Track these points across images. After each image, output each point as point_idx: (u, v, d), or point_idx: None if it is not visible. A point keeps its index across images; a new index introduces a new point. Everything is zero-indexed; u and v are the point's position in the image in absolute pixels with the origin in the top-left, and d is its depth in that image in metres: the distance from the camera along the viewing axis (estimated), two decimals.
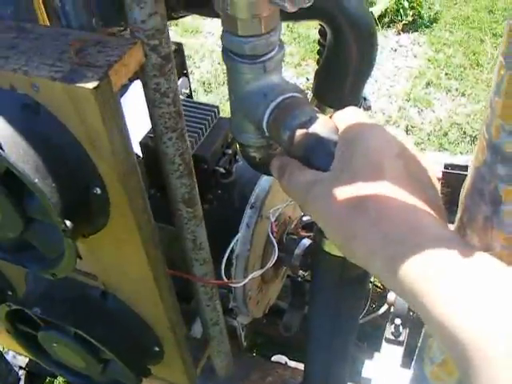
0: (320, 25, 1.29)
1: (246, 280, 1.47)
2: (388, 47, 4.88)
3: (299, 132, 0.90)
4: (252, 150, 1.12)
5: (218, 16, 0.96)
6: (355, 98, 1.37)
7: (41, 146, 0.86)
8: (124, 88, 1.50)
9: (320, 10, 1.06)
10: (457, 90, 4.40)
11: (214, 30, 5.09)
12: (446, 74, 4.55)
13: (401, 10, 5.07)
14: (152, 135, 1.32)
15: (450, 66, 4.60)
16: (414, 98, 4.35)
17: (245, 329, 1.91)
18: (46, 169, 0.86)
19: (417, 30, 5.04)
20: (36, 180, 0.83)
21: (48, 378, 2.73)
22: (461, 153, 3.88)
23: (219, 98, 4.42)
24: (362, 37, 1.20)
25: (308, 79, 4.48)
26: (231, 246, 1.48)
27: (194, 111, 1.43)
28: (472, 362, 0.58)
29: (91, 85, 0.79)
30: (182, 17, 1.18)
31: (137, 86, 1.46)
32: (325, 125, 0.90)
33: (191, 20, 5.16)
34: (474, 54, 4.67)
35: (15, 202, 0.90)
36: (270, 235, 1.55)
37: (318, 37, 1.41)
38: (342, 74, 1.28)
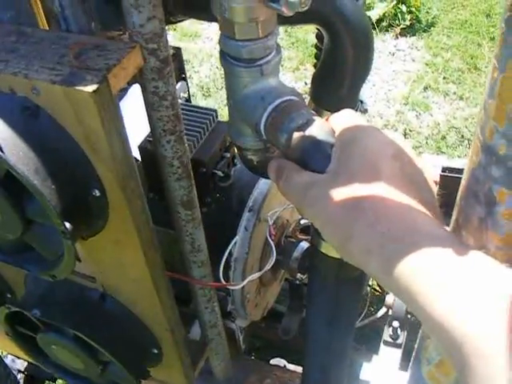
0: (317, 29, 1.30)
1: (244, 282, 1.47)
2: (386, 51, 4.89)
3: (296, 135, 0.91)
4: (250, 152, 1.13)
5: (215, 20, 0.97)
6: (352, 102, 1.38)
7: (40, 149, 0.87)
8: (122, 92, 1.51)
9: (317, 13, 1.07)
10: (455, 93, 4.41)
11: (212, 34, 5.10)
12: (444, 78, 4.56)
13: (399, 15, 5.09)
14: (151, 139, 1.33)
15: (448, 70, 4.62)
16: (411, 102, 4.37)
17: (243, 332, 1.91)
18: (45, 171, 0.87)
19: (415, 34, 5.05)
20: (36, 182, 0.84)
21: (47, 382, 2.74)
22: (459, 156, 3.89)
23: (218, 103, 4.43)
24: (358, 41, 1.21)
25: (306, 83, 4.49)
26: (229, 248, 1.48)
27: (192, 115, 1.44)
28: (469, 361, 0.58)
29: (90, 88, 0.80)
30: (180, 21, 1.19)
31: (135, 89, 1.47)
32: (322, 127, 0.91)
33: (190, 24, 5.18)
34: (472, 58, 4.68)
35: (15, 203, 0.91)
36: (268, 238, 1.56)
37: (315, 41, 1.42)
38: (339, 78, 1.28)
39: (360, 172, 0.75)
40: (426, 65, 4.71)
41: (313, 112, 0.96)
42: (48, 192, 0.86)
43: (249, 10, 0.88)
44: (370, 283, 2.80)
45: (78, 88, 0.80)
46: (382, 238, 0.70)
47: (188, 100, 1.81)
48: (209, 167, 1.43)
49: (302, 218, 1.80)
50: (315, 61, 1.50)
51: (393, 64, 4.77)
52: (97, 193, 0.95)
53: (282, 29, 0.96)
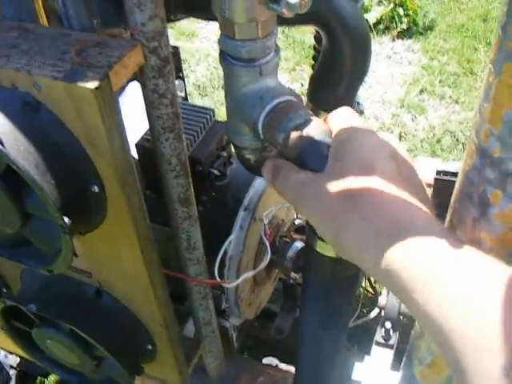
0: (315, 30, 1.31)
1: (239, 280, 1.48)
2: (383, 54, 4.91)
3: (294, 134, 0.93)
4: (247, 152, 1.14)
5: (215, 19, 0.98)
6: (349, 103, 1.39)
7: (41, 144, 0.88)
8: (120, 89, 1.51)
9: (315, 15, 1.08)
10: (450, 97, 4.43)
11: (209, 34, 5.11)
12: (440, 82, 4.58)
13: (396, 18, 5.11)
14: (148, 137, 1.33)
15: (444, 74, 4.64)
16: (407, 105, 4.38)
17: (236, 330, 1.92)
18: (45, 166, 0.88)
19: (411, 38, 5.07)
20: (36, 176, 0.85)
21: (39, 378, 2.74)
22: (453, 159, 3.91)
23: (214, 102, 4.43)
24: (356, 43, 1.22)
25: (303, 84, 4.50)
26: (224, 247, 1.49)
27: (189, 114, 1.45)
28: (464, 357, 0.59)
29: (92, 85, 0.81)
30: (180, 19, 1.20)
31: (132, 87, 1.47)
32: (319, 128, 0.92)
33: (187, 24, 5.19)
34: (468, 62, 4.70)
35: (14, 197, 0.92)
36: (263, 237, 1.57)
37: (313, 42, 1.43)
38: (337, 79, 1.30)
39: (356, 168, 0.76)
40: (423, 68, 4.73)
41: (310, 112, 0.97)
42: (47, 186, 0.87)
43: (249, 10, 0.89)
44: (363, 284, 2.82)
45: (79, 84, 0.81)
46: (376, 231, 0.71)
47: (185, 99, 1.82)
48: (205, 166, 1.44)
49: (297, 218, 1.81)
50: (312, 62, 1.52)
51: (389, 66, 4.79)
52: (96, 188, 0.96)
53: (279, 30, 0.97)
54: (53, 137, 0.89)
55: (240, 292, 1.61)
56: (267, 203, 1.56)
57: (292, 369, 2.05)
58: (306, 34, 4.90)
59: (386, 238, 0.69)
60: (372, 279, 2.95)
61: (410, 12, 5.13)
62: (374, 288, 2.92)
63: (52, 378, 2.77)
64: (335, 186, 0.76)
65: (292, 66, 4.73)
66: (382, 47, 4.97)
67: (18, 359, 2.49)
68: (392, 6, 5.10)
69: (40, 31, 0.93)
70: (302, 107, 0.99)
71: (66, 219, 0.89)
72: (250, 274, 1.53)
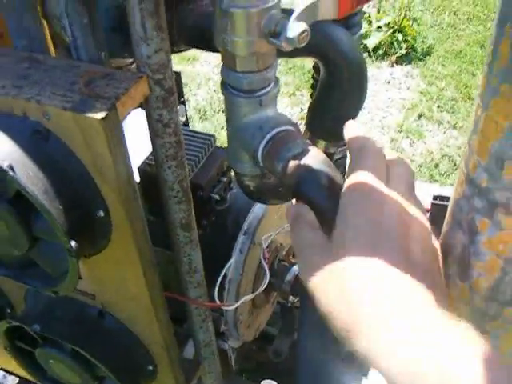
0: (314, 60, 1.35)
1: (238, 303, 1.51)
2: (382, 79, 4.96)
3: (292, 163, 0.96)
4: (247, 178, 1.18)
5: (217, 51, 1.03)
6: None
7: (49, 170, 0.91)
8: None
9: (314, 47, 1.12)
10: (448, 122, 4.47)
11: (210, 58, 5.16)
12: (438, 107, 4.63)
13: (395, 43, 5.17)
14: (150, 162, 1.37)
15: (442, 99, 4.68)
16: (406, 130, 4.42)
17: (235, 352, 1.95)
18: (53, 192, 0.91)
19: (410, 63, 5.13)
20: (44, 202, 0.89)
21: None
22: (451, 184, 3.94)
23: (214, 126, 4.47)
24: (353, 74, 1.26)
25: (302, 109, 4.55)
26: (224, 270, 1.52)
27: (191, 140, 1.49)
28: None
29: (100, 115, 0.85)
30: (183, 50, 1.24)
31: (133, 113, 1.51)
32: (317, 157, 0.96)
33: None
34: (466, 88, 4.75)
35: (23, 221, 0.95)
36: (262, 261, 1.60)
37: (312, 67, 1.47)
38: (334, 109, 1.33)
39: (362, 247, 0.74)
40: (421, 93, 4.78)
41: (308, 142, 1.01)
42: (55, 211, 0.91)
43: (250, 44, 0.94)
44: None
45: (87, 115, 0.86)
46: (369, 318, 0.68)
47: (186, 123, 1.85)
48: (206, 191, 1.47)
49: None
50: (312, 87, 1.55)
51: (388, 91, 4.84)
52: (101, 213, 1.00)
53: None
54: (61, 164, 0.93)
55: (239, 314, 1.64)
56: (266, 227, 1.59)
57: None
58: (306, 59, 4.95)
59: (377, 327, 0.67)
60: None
61: (409, 38, 5.19)
62: None
63: None
64: (336, 267, 0.73)
65: (292, 90, 4.78)
66: (381, 72, 5.02)
67: (16, 379, 2.50)
68: (391, 31, 5.16)
69: (50, 62, 0.98)
70: (300, 137, 1.03)
71: (73, 243, 0.92)
72: (248, 297, 1.56)
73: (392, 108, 4.67)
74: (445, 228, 0.93)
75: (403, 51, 5.14)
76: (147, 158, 1.42)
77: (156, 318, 1.23)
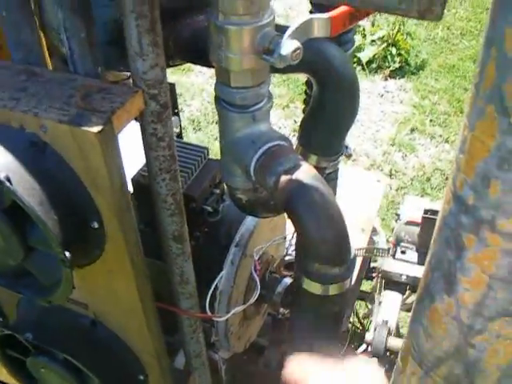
0: (307, 77, 1.37)
1: (229, 315, 1.52)
2: (375, 92, 4.99)
3: (283, 178, 0.98)
4: (239, 192, 1.20)
5: (212, 66, 1.05)
6: (337, 147, 1.45)
7: (45, 182, 0.93)
8: None
9: (307, 64, 1.13)
10: (441, 136, 4.51)
11: (204, 69, 5.16)
12: (431, 121, 4.67)
13: (388, 57, 5.21)
14: (143, 173, 1.38)
15: (435, 113, 4.72)
16: (398, 143, 4.46)
17: (225, 363, 1.95)
18: (49, 203, 0.93)
19: (403, 77, 5.17)
20: (39, 213, 0.90)
21: None
22: (443, 198, 3.96)
23: (208, 137, 4.50)
24: (345, 91, 1.28)
25: (295, 121, 4.57)
26: (216, 281, 1.53)
27: (184, 152, 1.50)
28: None
29: (96, 129, 0.87)
30: (178, 65, 1.26)
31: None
32: (308, 172, 0.98)
33: None
34: (459, 102, 4.79)
35: (18, 231, 0.97)
36: (253, 273, 1.61)
37: (306, 79, 1.49)
38: (326, 124, 1.35)
39: None
40: (414, 107, 4.82)
41: (300, 157, 1.03)
42: (51, 222, 0.92)
43: (244, 60, 0.96)
44: (352, 320, 2.85)
45: (83, 128, 0.87)
46: None
47: (179, 135, 1.87)
48: (199, 202, 1.49)
49: (287, 255, 1.86)
50: (304, 103, 1.57)
51: (381, 105, 4.87)
52: (95, 224, 1.01)
53: None
54: (57, 176, 0.95)
55: (230, 326, 1.65)
56: (258, 240, 1.60)
57: None
58: None
59: None
60: (360, 314, 3.00)
61: (403, 52, 5.23)
62: (362, 324, 2.97)
63: None
64: None
65: (286, 102, 4.81)
66: (374, 85, 5.05)
67: None
68: (385, 45, 5.20)
69: (47, 75, 0.99)
70: (292, 152, 1.05)
71: (67, 253, 0.94)
72: (239, 308, 1.57)
73: (385, 121, 4.70)
74: (432, 244, 0.95)
75: (397, 65, 5.19)
76: (141, 169, 1.43)
77: (147, 327, 1.25)
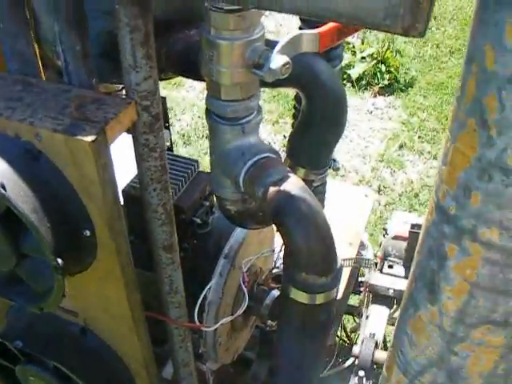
0: (296, 91, 1.40)
1: (218, 325, 1.54)
2: (364, 109, 5.03)
3: (272, 189, 1.01)
4: (228, 203, 1.22)
5: (203, 80, 1.07)
6: (325, 160, 1.48)
7: (39, 189, 0.95)
8: None
9: (295, 78, 1.16)
10: (429, 152, 4.54)
11: (195, 84, 5.21)
12: (419, 137, 4.70)
13: (378, 74, 5.26)
14: (134, 184, 1.40)
15: (424, 130, 4.76)
16: (387, 159, 4.49)
17: (213, 374, 1.97)
18: (42, 210, 0.95)
19: (392, 94, 5.21)
20: (33, 220, 0.92)
21: None
22: None
23: (198, 151, 4.51)
24: (333, 105, 1.31)
25: (285, 137, 4.60)
26: (204, 292, 1.55)
27: (175, 164, 1.52)
28: None
29: (89, 138, 0.89)
30: (169, 78, 1.29)
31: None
32: (296, 183, 1.01)
33: None
34: (447, 119, 4.82)
35: (11, 238, 0.99)
36: (242, 285, 1.63)
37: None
38: (314, 138, 1.38)
39: None
40: (403, 124, 4.85)
41: (288, 169, 1.06)
42: (44, 229, 0.94)
43: (234, 74, 0.99)
44: (339, 334, 2.87)
45: (77, 137, 0.90)
46: None
47: (170, 148, 1.89)
48: (188, 214, 1.51)
49: (275, 267, 1.87)
50: (293, 117, 1.60)
51: (370, 121, 4.91)
52: (87, 233, 1.03)
53: None
54: (50, 183, 0.97)
55: (218, 337, 1.66)
56: (246, 252, 1.62)
57: None
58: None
59: None
60: (348, 329, 3.01)
61: (392, 69, 5.28)
62: (349, 337, 2.98)
63: None
64: None
65: (275, 118, 4.84)
66: (363, 102, 5.09)
67: None
68: (374, 62, 5.25)
69: (42, 86, 1.02)
70: (280, 164, 1.08)
71: (60, 260, 0.96)
72: (228, 318, 1.59)
73: (374, 138, 4.73)
74: (416, 255, 0.98)
75: (386, 82, 5.23)
76: (131, 181, 1.45)
77: (137, 335, 1.26)
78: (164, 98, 1.68)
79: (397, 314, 2.63)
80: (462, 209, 0.81)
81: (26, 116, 0.94)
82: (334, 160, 1.56)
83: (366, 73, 5.26)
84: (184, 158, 1.58)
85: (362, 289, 2.69)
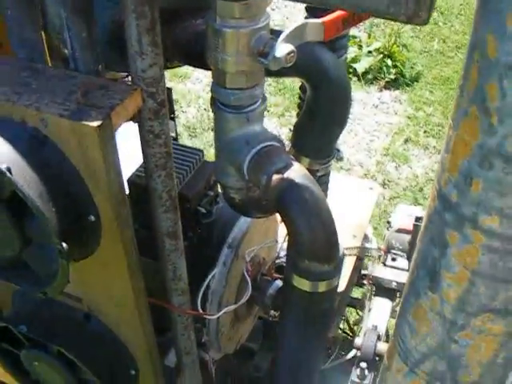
0: (301, 81, 1.41)
1: (221, 313, 1.55)
2: (370, 103, 5.03)
3: (275, 177, 1.02)
4: (233, 191, 1.23)
5: (208, 68, 1.08)
6: (329, 150, 1.49)
7: (44, 174, 0.96)
8: None
9: (300, 68, 1.17)
10: (434, 147, 4.55)
11: (201, 76, 5.22)
12: (425, 132, 4.71)
13: (384, 68, 5.25)
14: (139, 173, 1.41)
15: (429, 124, 4.76)
16: (392, 154, 4.49)
17: (215, 364, 1.98)
18: (47, 194, 0.96)
19: (398, 88, 5.21)
20: (39, 204, 0.93)
21: None
22: None
23: (203, 143, 4.52)
24: (337, 94, 1.32)
25: (291, 130, 4.60)
26: (207, 281, 1.56)
27: (180, 153, 1.53)
28: None
29: (95, 123, 0.90)
30: (176, 66, 1.30)
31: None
32: (299, 171, 1.01)
33: None
34: None
35: (17, 222, 1.00)
36: (245, 274, 1.64)
37: None
38: (318, 128, 1.39)
39: None
40: (408, 118, 4.85)
41: (291, 157, 1.06)
42: (49, 214, 0.95)
43: (239, 62, 1.00)
44: (342, 326, 2.88)
45: (84, 122, 0.91)
46: None
47: (175, 139, 1.89)
48: (193, 204, 1.51)
49: (278, 257, 1.88)
50: (298, 107, 1.61)
51: (376, 116, 4.91)
52: (92, 218, 1.04)
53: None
54: (56, 169, 0.98)
55: (221, 326, 1.67)
56: (250, 242, 1.63)
57: None
58: (296, 80, 5.00)
59: None
60: (350, 321, 3.02)
61: (398, 63, 5.28)
62: (352, 330, 2.99)
63: None
64: None
65: (281, 111, 4.84)
66: (369, 96, 5.09)
67: None
68: (380, 56, 5.25)
69: (49, 72, 1.03)
70: (284, 152, 1.09)
71: (64, 245, 0.97)
72: (231, 307, 1.60)
73: (379, 132, 4.74)
74: (418, 243, 0.99)
75: (392, 76, 5.23)
76: (137, 170, 1.46)
77: (140, 321, 1.28)
78: (170, 89, 1.68)
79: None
80: (464, 196, 0.81)
81: (33, 101, 0.95)
82: (338, 150, 1.57)
83: (372, 67, 5.26)
84: (189, 147, 1.58)
85: (365, 281, 2.70)
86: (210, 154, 3.74)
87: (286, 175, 1.02)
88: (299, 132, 1.45)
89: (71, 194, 1.01)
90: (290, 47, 0.97)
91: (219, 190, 1.53)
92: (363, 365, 2.28)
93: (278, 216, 1.77)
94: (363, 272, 2.71)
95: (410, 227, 2.50)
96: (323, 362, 2.30)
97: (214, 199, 1.60)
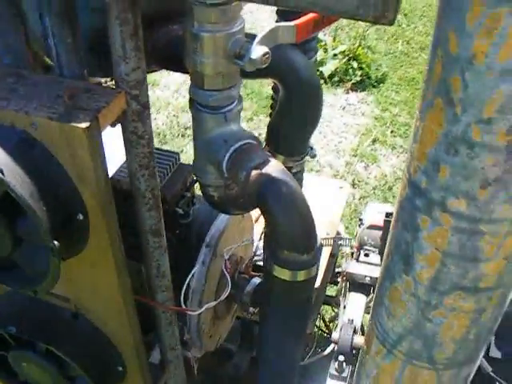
0: (273, 82, 1.46)
1: (203, 308, 1.59)
2: (337, 105, 5.10)
3: (254, 172, 1.07)
4: (212, 189, 1.28)
5: (186, 72, 1.13)
6: (302, 147, 1.55)
7: (35, 175, 1.00)
8: None
9: (273, 69, 1.21)
10: (401, 146, 4.63)
11: (170, 83, 5.25)
12: (392, 132, 4.79)
13: (350, 70, 5.33)
14: (121, 173, 1.45)
15: (396, 124, 4.84)
16: (360, 154, 4.56)
17: (197, 362, 2.01)
18: (38, 194, 1.00)
19: (365, 90, 5.29)
20: (30, 203, 0.97)
21: None
22: None
23: (174, 149, 4.54)
24: (309, 93, 1.38)
25: (260, 134, 4.65)
26: (187, 280, 1.60)
27: (157, 156, 1.56)
28: None
29: (84, 125, 0.95)
30: (154, 71, 1.35)
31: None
32: (276, 166, 1.07)
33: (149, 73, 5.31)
34: None
35: (8, 222, 1.04)
36: (224, 271, 1.68)
37: (270, 93, 1.58)
38: (291, 126, 1.44)
39: None
40: (375, 119, 4.93)
41: (268, 154, 1.12)
42: (40, 213, 0.99)
43: (216, 64, 1.05)
44: (318, 324, 2.93)
45: (72, 124, 0.95)
46: None
47: None
48: (171, 205, 1.55)
49: (255, 256, 1.93)
50: (269, 111, 1.66)
51: (343, 117, 4.98)
52: (81, 216, 1.09)
53: None
54: (45, 169, 1.02)
55: (202, 323, 1.71)
56: (228, 240, 1.67)
57: None
58: (264, 85, 5.08)
59: None
60: (326, 318, 3.08)
61: (364, 65, 5.36)
62: (328, 327, 3.05)
63: None
64: None
65: (250, 115, 4.89)
66: (336, 98, 5.16)
67: None
68: (346, 59, 5.33)
69: (35, 78, 1.07)
70: (261, 149, 1.14)
71: (56, 242, 1.01)
72: (212, 303, 1.64)
73: (347, 133, 4.81)
74: (391, 229, 1.04)
75: (358, 78, 5.31)
76: (119, 169, 1.50)
77: (127, 319, 1.32)
78: None
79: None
80: (432, 182, 0.87)
81: (21, 106, 0.99)
82: (311, 148, 1.62)
83: (338, 69, 5.33)
84: (166, 150, 1.63)
85: (339, 279, 2.75)
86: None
87: (264, 170, 1.07)
88: (273, 131, 1.51)
89: (60, 193, 1.05)
90: (264, 49, 1.02)
91: (196, 191, 1.58)
92: (341, 358, 2.33)
93: (253, 215, 1.83)
94: (337, 270, 2.77)
95: (381, 223, 2.55)
96: (301, 359, 2.34)
97: (191, 200, 1.64)
